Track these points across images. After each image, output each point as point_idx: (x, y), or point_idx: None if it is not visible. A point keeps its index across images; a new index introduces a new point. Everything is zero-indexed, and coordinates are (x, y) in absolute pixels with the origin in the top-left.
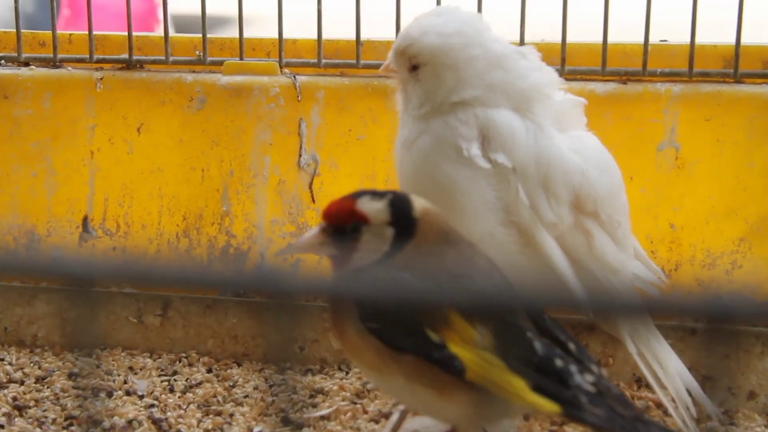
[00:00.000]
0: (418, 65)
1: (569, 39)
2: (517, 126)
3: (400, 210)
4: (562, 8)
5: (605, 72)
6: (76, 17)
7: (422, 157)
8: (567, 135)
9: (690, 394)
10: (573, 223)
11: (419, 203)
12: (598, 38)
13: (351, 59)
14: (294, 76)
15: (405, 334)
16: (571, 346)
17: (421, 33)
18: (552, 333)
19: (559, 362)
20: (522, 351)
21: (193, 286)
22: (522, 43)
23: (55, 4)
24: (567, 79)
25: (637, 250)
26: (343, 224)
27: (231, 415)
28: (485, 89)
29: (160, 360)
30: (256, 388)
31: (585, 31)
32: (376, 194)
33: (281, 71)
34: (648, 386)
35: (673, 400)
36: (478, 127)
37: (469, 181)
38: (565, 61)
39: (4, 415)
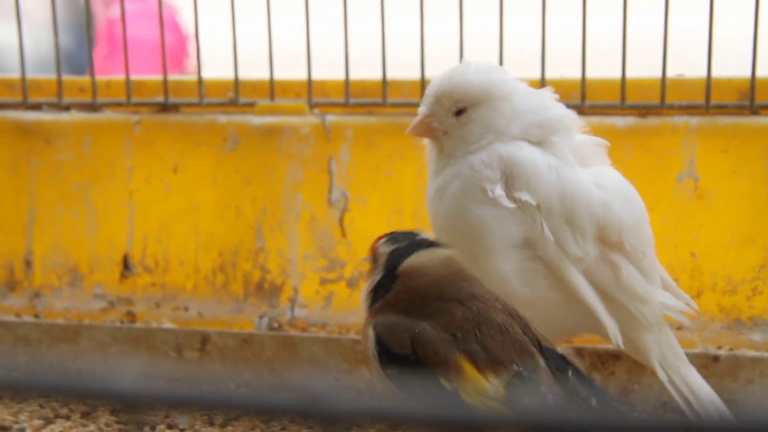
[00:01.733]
0: (465, 108)
1: (588, 75)
2: (540, 163)
3: (392, 263)
4: (582, 46)
5: (624, 106)
6: (112, 53)
7: (454, 201)
8: (589, 170)
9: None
10: (599, 257)
11: (416, 260)
12: (614, 72)
13: (377, 98)
14: (323, 116)
15: (420, 381)
16: (593, 402)
17: (464, 75)
18: (573, 389)
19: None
20: (534, 404)
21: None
22: (543, 77)
23: (92, 44)
24: (587, 114)
25: (665, 280)
26: (371, 253)
27: None
28: (535, 115)
29: None
30: (292, 420)
31: (600, 65)
32: (394, 240)
33: (311, 111)
34: (673, 411)
35: None
36: (501, 167)
37: (497, 220)
38: (585, 96)
39: None
